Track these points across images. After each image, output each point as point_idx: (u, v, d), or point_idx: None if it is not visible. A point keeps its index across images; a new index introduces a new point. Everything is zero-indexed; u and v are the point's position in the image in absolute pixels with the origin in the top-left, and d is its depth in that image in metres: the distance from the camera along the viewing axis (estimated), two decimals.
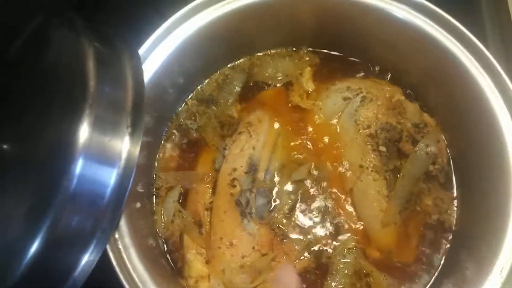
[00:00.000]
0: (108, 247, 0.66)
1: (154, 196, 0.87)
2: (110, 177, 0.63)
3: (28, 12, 0.80)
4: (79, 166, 0.59)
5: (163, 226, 0.84)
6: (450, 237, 0.84)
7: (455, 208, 0.86)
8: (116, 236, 0.68)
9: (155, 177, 0.88)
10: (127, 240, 0.69)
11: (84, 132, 0.60)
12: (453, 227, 0.84)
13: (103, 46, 0.70)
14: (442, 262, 0.82)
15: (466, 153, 0.86)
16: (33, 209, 0.60)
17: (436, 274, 0.81)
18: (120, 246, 0.68)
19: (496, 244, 0.70)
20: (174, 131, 0.92)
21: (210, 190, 0.85)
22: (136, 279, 0.67)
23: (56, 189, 0.58)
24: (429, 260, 0.82)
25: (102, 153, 0.63)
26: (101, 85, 0.64)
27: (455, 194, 0.87)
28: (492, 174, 0.77)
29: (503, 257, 0.69)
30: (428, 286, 0.81)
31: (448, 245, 0.83)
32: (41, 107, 0.68)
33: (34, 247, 0.57)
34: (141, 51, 0.79)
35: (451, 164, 0.89)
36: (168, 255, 0.83)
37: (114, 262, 0.66)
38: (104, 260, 0.64)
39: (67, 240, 0.60)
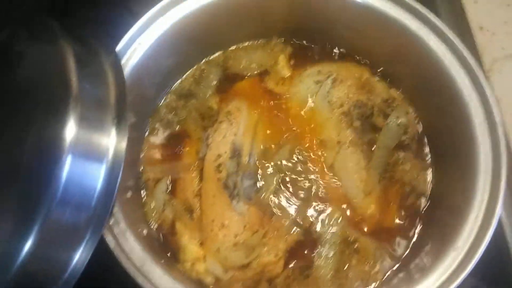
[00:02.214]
0: (104, 233, 0.68)
1: (143, 190, 0.89)
2: (99, 171, 0.64)
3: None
4: (67, 164, 0.60)
5: (154, 216, 0.86)
6: (427, 197, 0.89)
7: (430, 173, 0.91)
8: (111, 222, 0.70)
9: (142, 171, 0.90)
10: (122, 225, 0.71)
11: (70, 130, 0.62)
12: (429, 190, 0.90)
13: (80, 46, 0.73)
14: (421, 221, 0.88)
15: (435, 122, 0.92)
16: (23, 210, 0.61)
17: (418, 231, 0.87)
18: (116, 232, 0.70)
19: (468, 198, 0.76)
20: (157, 125, 0.94)
21: (197, 178, 0.88)
22: (135, 261, 0.68)
23: (45, 188, 0.60)
24: (410, 221, 0.88)
25: (90, 149, 0.64)
26: (83, 84, 0.66)
27: (427, 158, 0.93)
28: (458, 138, 0.84)
29: (476, 207, 0.75)
30: (412, 242, 0.86)
31: (426, 206, 0.89)
32: (25, 112, 0.69)
33: (27, 247, 0.58)
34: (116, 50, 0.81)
35: (423, 133, 0.94)
36: (162, 244, 0.85)
37: (111, 246, 0.67)
38: (101, 249, 0.66)
39: (60, 236, 0.61)
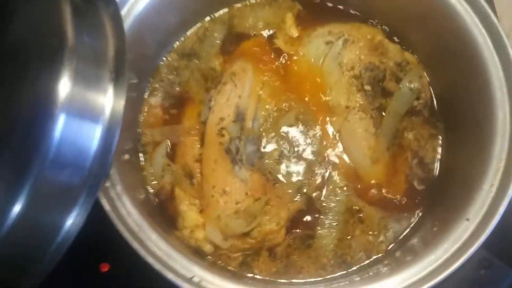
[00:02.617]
0: (100, 195, 0.65)
1: (141, 153, 0.86)
2: (95, 130, 0.60)
3: None
4: (61, 121, 0.56)
5: (153, 181, 0.84)
6: (438, 166, 0.86)
7: (441, 141, 0.87)
8: (107, 185, 0.67)
9: (141, 134, 0.87)
10: (119, 188, 0.68)
11: (65, 85, 0.57)
12: (440, 158, 0.86)
13: None
14: (430, 190, 0.84)
15: (450, 89, 0.87)
16: (13, 170, 0.58)
17: (426, 201, 0.84)
18: (112, 195, 0.67)
19: (482, 167, 0.72)
20: (157, 86, 0.90)
21: (198, 142, 0.85)
22: (131, 226, 0.66)
23: (37, 147, 0.56)
24: (418, 190, 0.85)
25: (86, 106, 0.60)
26: (79, 35, 0.61)
27: (440, 128, 0.88)
28: (475, 102, 0.79)
29: (490, 176, 0.71)
30: (420, 213, 0.83)
31: (436, 174, 0.85)
32: (19, 68, 0.65)
33: (17, 208, 0.55)
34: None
35: (435, 100, 0.90)
36: (160, 209, 0.83)
37: (106, 209, 0.65)
38: (98, 212, 0.64)
39: (52, 197, 0.58)
